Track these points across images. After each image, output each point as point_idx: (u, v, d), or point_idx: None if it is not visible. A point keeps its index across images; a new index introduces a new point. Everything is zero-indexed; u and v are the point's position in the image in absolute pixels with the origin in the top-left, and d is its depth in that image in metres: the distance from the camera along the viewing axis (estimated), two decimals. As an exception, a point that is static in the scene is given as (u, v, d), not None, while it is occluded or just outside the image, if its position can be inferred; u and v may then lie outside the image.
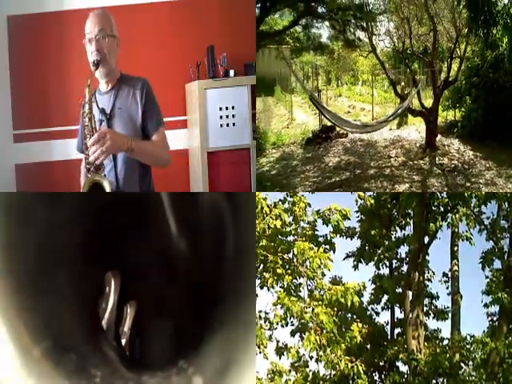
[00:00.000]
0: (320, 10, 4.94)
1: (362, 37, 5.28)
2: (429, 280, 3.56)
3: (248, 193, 4.29)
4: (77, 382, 0.55)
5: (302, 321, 3.15)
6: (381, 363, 3.43)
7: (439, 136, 5.62)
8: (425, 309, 3.47)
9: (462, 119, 5.97)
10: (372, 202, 3.52)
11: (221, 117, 4.66)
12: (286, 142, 6.30)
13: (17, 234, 0.72)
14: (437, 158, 4.98)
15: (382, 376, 3.42)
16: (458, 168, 4.61)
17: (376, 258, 3.59)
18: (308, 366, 3.28)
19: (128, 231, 1.03)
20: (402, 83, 6.51)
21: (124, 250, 0.96)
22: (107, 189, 2.14)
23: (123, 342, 0.79)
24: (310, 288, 3.26)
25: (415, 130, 6.32)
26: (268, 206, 3.23)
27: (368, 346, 3.42)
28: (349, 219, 3.30)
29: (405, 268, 3.56)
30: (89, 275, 0.75)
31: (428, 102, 5.34)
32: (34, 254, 0.72)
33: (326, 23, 5.07)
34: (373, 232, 3.52)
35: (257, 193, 3.28)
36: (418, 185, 4.18)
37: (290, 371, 3.29)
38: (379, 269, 3.61)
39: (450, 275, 3.52)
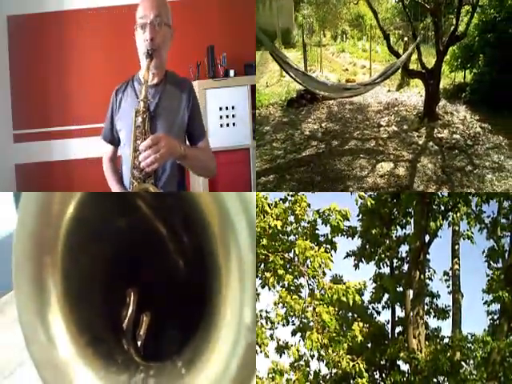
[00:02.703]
0: None
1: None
2: (429, 279, 3.56)
3: (248, 193, 4.27)
4: (107, 362, 0.91)
5: (304, 320, 3.15)
6: (381, 362, 3.43)
7: (443, 101, 4.87)
8: (425, 307, 3.48)
9: (473, 82, 5.14)
10: (372, 202, 3.51)
11: (221, 117, 4.66)
12: (265, 103, 5.42)
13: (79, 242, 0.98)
14: (435, 130, 4.19)
15: (383, 375, 3.42)
16: (460, 144, 3.90)
17: (377, 257, 3.58)
18: (309, 365, 3.28)
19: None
20: (406, 38, 5.65)
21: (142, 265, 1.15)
22: None
23: (139, 343, 1.02)
24: (311, 287, 3.26)
25: (417, 94, 5.39)
26: (268, 206, 3.24)
27: (369, 345, 3.42)
28: (348, 220, 3.30)
29: (405, 267, 3.56)
30: (116, 288, 1.03)
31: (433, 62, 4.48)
32: (86, 263, 0.98)
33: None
34: (373, 231, 3.52)
35: (257, 192, 3.28)
36: (405, 165, 3.47)
37: (290, 370, 3.29)
38: (380, 268, 3.61)
39: (450, 274, 3.52)
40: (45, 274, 0.89)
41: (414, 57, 4.74)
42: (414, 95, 5.41)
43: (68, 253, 0.90)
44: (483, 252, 3.37)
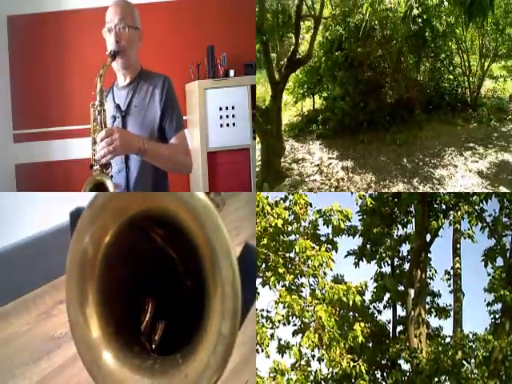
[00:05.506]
0: None
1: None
2: (431, 278, 3.57)
3: (248, 193, 4.28)
4: (125, 348, 1.22)
5: (304, 320, 3.14)
6: (383, 361, 3.43)
7: (291, 142, 3.76)
8: (427, 307, 3.48)
9: (324, 109, 4.42)
10: (373, 202, 3.50)
11: (221, 117, 4.65)
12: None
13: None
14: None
15: (384, 374, 3.41)
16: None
17: (378, 256, 3.58)
18: (310, 365, 3.27)
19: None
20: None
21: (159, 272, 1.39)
22: (111, 189, 2.03)
23: (153, 346, 1.27)
24: (311, 287, 3.26)
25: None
26: (269, 205, 3.23)
27: (370, 345, 3.42)
28: (350, 220, 3.29)
29: (407, 266, 3.57)
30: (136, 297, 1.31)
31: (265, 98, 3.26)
32: (115, 277, 1.27)
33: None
34: (374, 230, 3.51)
35: (257, 192, 3.28)
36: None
37: (291, 370, 3.28)
38: (381, 267, 3.61)
39: (452, 273, 3.52)
40: (86, 280, 1.22)
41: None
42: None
43: (103, 268, 1.22)
44: (485, 250, 3.37)
